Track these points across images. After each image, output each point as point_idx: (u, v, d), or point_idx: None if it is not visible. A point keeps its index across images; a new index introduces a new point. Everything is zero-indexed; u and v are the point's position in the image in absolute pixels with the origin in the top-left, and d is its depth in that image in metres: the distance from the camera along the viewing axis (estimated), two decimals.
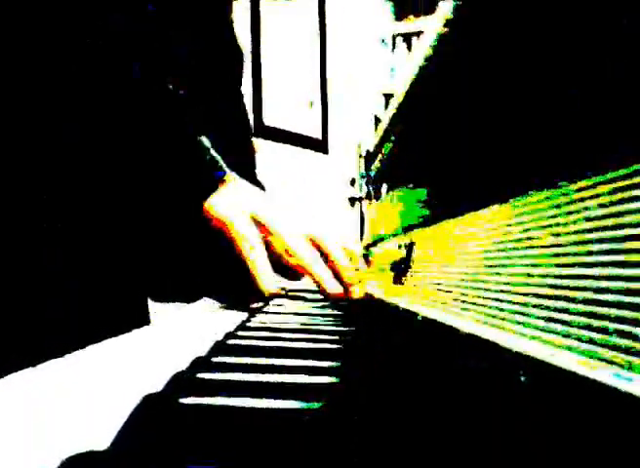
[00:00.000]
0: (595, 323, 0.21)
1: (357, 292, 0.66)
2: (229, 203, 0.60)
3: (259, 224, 0.61)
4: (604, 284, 0.21)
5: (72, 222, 0.60)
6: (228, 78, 0.83)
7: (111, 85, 0.54)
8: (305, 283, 0.73)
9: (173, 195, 0.58)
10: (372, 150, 1.03)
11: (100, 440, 0.20)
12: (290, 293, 0.77)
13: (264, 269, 0.60)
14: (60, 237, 0.59)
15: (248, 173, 0.89)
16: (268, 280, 0.60)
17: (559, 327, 0.24)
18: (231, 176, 0.62)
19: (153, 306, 0.73)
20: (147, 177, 0.57)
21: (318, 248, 0.64)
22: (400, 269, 0.61)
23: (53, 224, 0.59)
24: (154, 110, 0.56)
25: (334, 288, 0.62)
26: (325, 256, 0.65)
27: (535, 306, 0.26)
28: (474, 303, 0.34)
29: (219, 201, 0.60)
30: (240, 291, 0.66)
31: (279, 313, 0.60)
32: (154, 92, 0.56)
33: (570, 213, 0.25)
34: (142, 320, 0.70)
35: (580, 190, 0.24)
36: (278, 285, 0.62)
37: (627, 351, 0.19)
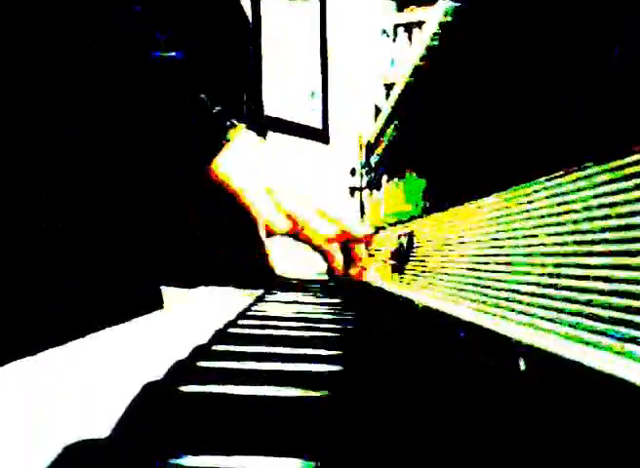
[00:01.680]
0: (589, 310, 0.21)
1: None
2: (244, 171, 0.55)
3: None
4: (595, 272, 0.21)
5: (84, 211, 0.60)
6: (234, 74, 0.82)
7: (111, 85, 0.54)
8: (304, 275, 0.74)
9: (178, 152, 0.54)
10: (372, 140, 1.03)
11: (101, 427, 0.20)
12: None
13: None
14: (74, 225, 0.59)
15: None
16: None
17: (553, 314, 0.24)
18: (239, 128, 0.55)
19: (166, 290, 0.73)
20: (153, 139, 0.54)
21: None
22: (400, 258, 0.61)
23: (65, 212, 0.58)
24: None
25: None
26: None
27: (533, 295, 0.26)
28: (477, 293, 0.34)
29: (230, 162, 0.54)
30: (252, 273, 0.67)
31: (278, 301, 0.60)
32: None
33: (566, 203, 0.25)
34: (156, 304, 0.70)
35: (576, 180, 0.25)
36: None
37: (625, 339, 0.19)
